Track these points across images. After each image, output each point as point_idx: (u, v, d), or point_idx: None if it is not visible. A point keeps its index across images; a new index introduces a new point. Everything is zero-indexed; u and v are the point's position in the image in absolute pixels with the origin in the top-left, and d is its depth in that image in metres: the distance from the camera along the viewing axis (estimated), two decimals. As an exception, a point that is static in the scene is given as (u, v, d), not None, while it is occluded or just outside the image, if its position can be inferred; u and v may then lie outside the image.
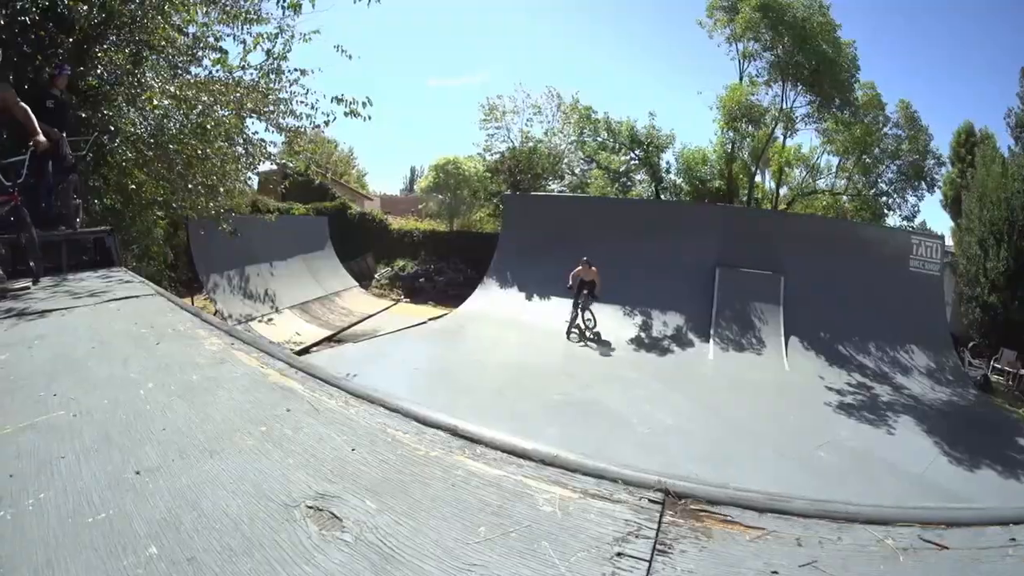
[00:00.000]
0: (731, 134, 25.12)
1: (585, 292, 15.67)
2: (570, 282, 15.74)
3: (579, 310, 15.82)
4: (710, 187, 26.30)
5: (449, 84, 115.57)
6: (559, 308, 17.16)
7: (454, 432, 2.08)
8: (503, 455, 1.92)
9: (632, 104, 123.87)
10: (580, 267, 15.61)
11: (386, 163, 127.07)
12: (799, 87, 23.60)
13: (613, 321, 16.39)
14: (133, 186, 9.97)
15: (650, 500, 1.60)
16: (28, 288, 5.15)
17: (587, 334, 15.76)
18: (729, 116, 24.10)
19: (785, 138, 26.14)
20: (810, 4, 22.68)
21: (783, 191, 27.75)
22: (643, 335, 16.13)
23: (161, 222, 11.45)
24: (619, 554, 1.36)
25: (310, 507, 1.61)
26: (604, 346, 15.19)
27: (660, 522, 1.49)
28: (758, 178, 27.88)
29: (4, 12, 8.00)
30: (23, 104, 5.84)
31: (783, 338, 15.42)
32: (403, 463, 1.86)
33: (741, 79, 24.91)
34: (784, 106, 24.24)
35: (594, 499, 1.62)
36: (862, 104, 23.45)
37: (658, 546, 1.38)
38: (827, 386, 13.29)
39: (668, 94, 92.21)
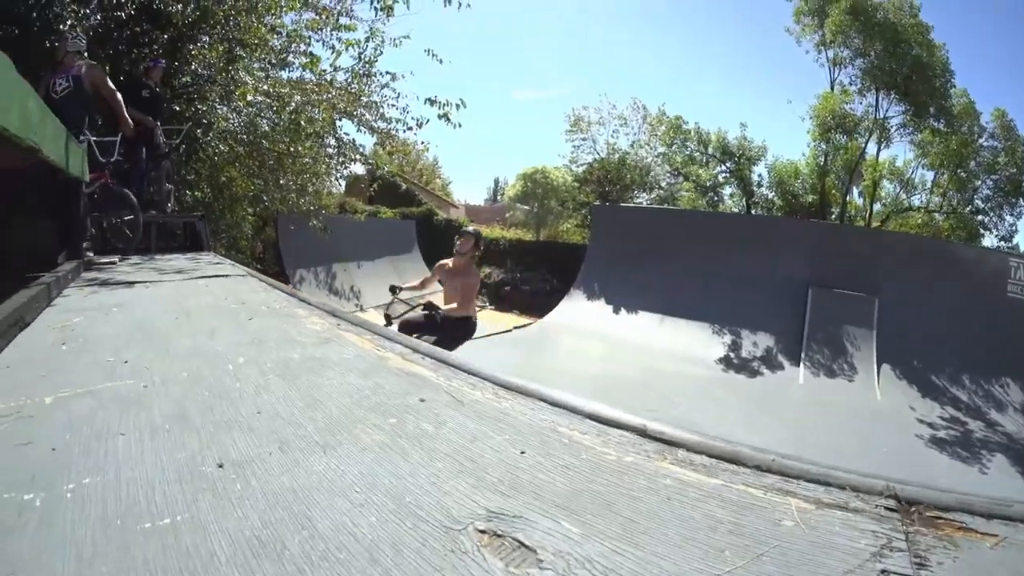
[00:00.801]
0: (823, 146, 23.68)
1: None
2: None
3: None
4: (802, 202, 24.77)
5: (532, 96, 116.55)
6: (646, 322, 16.39)
7: (643, 432, 1.49)
8: (711, 460, 1.41)
9: (718, 116, 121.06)
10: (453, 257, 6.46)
11: (470, 173, 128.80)
12: (892, 95, 22.10)
13: (700, 340, 15.47)
14: (224, 179, 9.96)
15: (886, 508, 1.29)
16: (114, 263, 4.89)
17: None
18: (822, 127, 22.78)
19: (879, 151, 24.40)
20: (900, 5, 21.35)
21: (876, 207, 25.76)
22: (732, 355, 15.16)
23: (250, 217, 11.37)
24: (883, 571, 1.07)
25: (483, 531, 1.02)
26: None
27: (907, 532, 1.21)
28: (851, 194, 26.24)
29: (101, 7, 8.12)
30: (112, 86, 5.90)
31: (875, 365, 14.25)
32: (593, 471, 1.27)
33: (832, 87, 23.62)
34: (878, 115, 22.74)
35: (831, 509, 1.26)
36: (956, 113, 21.73)
37: (914, 559, 1.12)
38: (919, 418, 12.16)
39: (756, 105, 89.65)
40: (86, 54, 6.94)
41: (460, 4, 9.17)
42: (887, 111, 22.75)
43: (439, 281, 6.73)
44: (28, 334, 2.35)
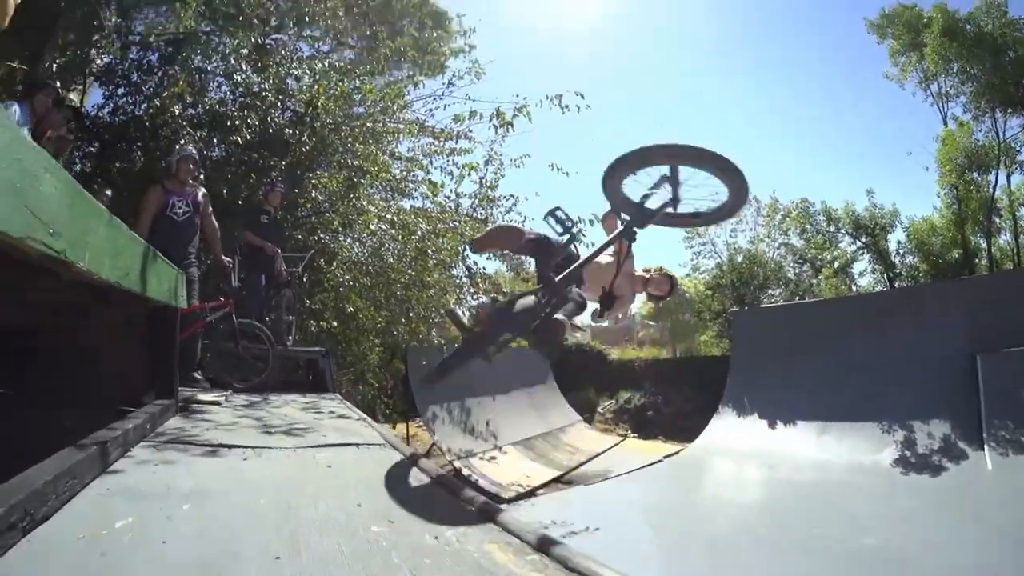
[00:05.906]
0: (954, 191, 21.19)
1: None
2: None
3: None
4: (948, 260, 21.89)
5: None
6: (807, 433, 14.10)
7: None
8: None
9: (833, 191, 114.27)
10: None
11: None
12: (1008, 110, 20.09)
13: (868, 444, 13.41)
14: (351, 310, 9.58)
15: None
16: (219, 403, 4.15)
17: None
18: (956, 169, 20.53)
19: (1010, 176, 21.54)
20: (987, 9, 19.94)
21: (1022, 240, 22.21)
22: (908, 453, 13.11)
23: (377, 348, 10.95)
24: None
25: None
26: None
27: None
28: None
29: (216, 133, 8.37)
30: (215, 222, 5.93)
31: (1077, 426, 11.93)
32: None
33: (945, 122, 21.87)
34: (1000, 137, 20.50)
35: None
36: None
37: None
38: None
39: (872, 167, 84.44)
40: (202, 177, 6.84)
41: (579, 108, 9.03)
42: (1005, 126, 20.70)
43: None
44: (43, 541, 1.38)
